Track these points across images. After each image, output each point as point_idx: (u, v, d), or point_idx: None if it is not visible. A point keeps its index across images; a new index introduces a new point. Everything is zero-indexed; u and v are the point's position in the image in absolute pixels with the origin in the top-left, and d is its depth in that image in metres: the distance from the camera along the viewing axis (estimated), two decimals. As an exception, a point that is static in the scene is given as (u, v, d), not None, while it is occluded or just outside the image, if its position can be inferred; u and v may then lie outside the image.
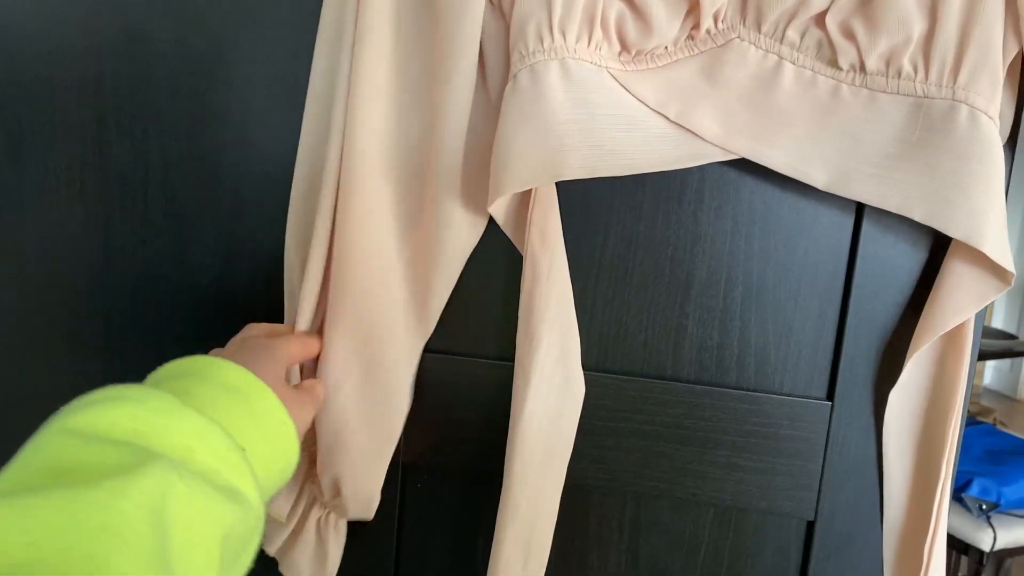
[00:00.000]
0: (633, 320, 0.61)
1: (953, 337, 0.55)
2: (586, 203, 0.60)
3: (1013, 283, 0.52)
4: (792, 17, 0.52)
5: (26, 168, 0.66)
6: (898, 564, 0.59)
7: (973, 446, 2.02)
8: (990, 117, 0.50)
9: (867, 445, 0.59)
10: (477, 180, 0.57)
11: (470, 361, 0.63)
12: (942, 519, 0.56)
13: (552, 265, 0.57)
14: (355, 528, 0.65)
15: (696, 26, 0.54)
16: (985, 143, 0.49)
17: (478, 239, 0.59)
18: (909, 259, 0.57)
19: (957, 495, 1.90)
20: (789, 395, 0.60)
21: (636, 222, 0.60)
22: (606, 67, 0.54)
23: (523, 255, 0.57)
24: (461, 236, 0.58)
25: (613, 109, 0.54)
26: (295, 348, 0.56)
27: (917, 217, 0.50)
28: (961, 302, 0.53)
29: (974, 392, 4.51)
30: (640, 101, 0.55)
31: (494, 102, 0.56)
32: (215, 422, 0.41)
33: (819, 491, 0.60)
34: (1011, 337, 2.94)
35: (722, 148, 0.54)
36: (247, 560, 0.42)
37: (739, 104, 0.54)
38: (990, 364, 4.52)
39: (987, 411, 2.46)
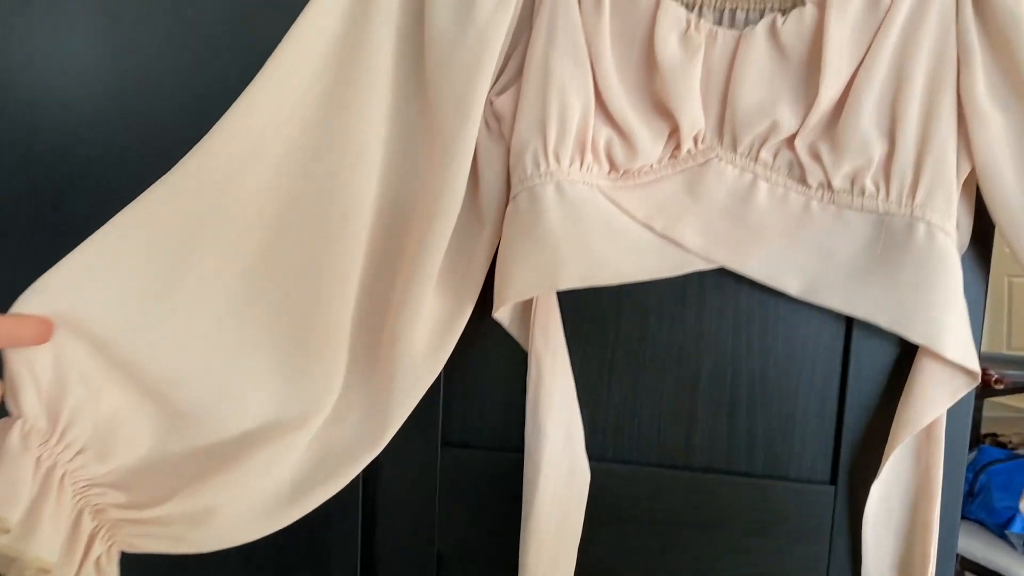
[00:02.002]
0: (645, 412, 0.66)
1: (929, 430, 0.59)
2: (597, 306, 0.66)
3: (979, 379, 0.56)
4: (764, 140, 0.58)
5: None
6: None
7: (1015, 481, 2.00)
8: (946, 232, 0.54)
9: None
10: (457, 277, 0.62)
11: (491, 454, 0.68)
12: None
13: (555, 362, 0.63)
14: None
15: (678, 147, 0.59)
16: (942, 256, 0.54)
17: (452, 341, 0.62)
18: (900, 351, 0.61)
19: (1001, 531, 1.89)
20: (795, 480, 0.65)
21: (644, 323, 0.65)
22: (597, 185, 0.60)
23: (528, 354, 0.63)
24: (423, 336, 0.61)
25: (604, 224, 0.59)
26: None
27: (882, 324, 0.55)
28: (934, 398, 0.57)
29: (1017, 418, 4.40)
30: (629, 215, 0.60)
31: (485, 211, 0.61)
32: None
33: (827, 573, 0.64)
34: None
35: (704, 258, 0.59)
36: None
37: (719, 217, 0.59)
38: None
39: (1029, 440, 2.43)
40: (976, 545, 1.87)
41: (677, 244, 0.60)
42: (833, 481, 0.64)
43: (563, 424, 0.63)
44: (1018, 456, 2.05)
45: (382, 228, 0.63)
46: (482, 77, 0.58)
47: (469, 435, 0.69)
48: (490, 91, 0.61)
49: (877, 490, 0.60)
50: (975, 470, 2.03)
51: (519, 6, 0.60)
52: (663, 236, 0.60)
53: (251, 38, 0.69)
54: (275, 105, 0.60)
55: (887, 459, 0.58)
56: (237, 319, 0.60)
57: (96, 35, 0.71)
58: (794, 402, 0.64)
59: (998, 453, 2.04)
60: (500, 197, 0.62)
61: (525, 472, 0.62)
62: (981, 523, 1.91)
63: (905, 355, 0.61)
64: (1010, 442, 2.41)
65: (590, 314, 0.66)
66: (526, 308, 0.64)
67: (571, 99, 0.58)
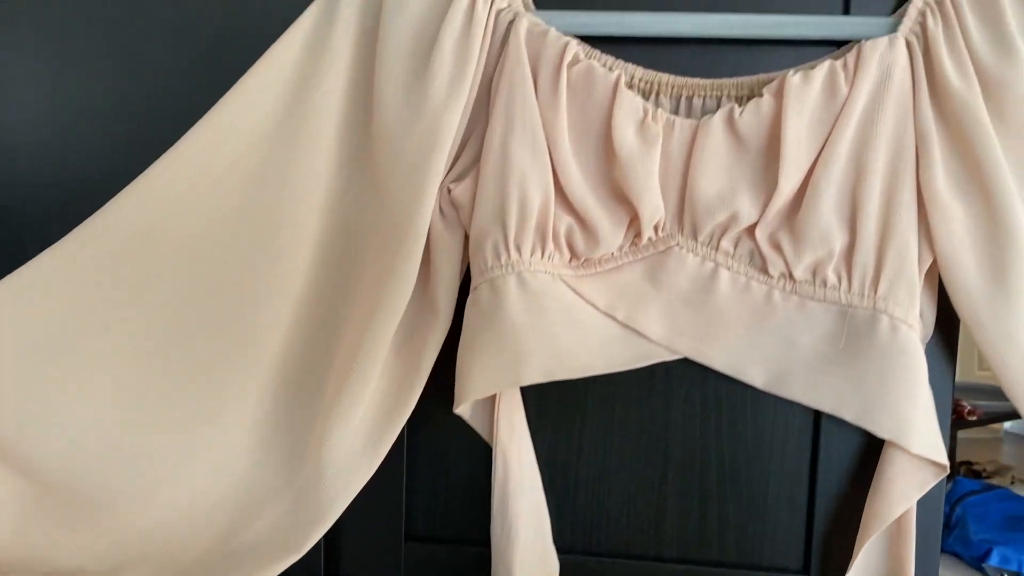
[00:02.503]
0: (614, 502, 0.65)
1: (900, 521, 0.58)
2: (562, 396, 0.64)
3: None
4: (725, 230, 0.57)
5: None
6: None
7: (991, 513, 2.00)
8: (909, 325, 0.54)
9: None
10: (403, 367, 0.60)
11: (457, 548, 0.66)
12: None
13: (522, 455, 0.62)
14: None
15: (639, 235, 0.58)
16: (905, 349, 0.53)
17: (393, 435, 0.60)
18: (870, 437, 0.60)
19: (978, 564, 1.89)
20: (768, 569, 0.63)
21: (611, 411, 0.64)
22: (559, 274, 0.59)
23: (493, 447, 0.61)
24: (362, 429, 0.59)
25: (566, 315, 0.58)
26: None
27: (848, 418, 0.54)
28: (903, 491, 0.56)
29: (991, 440, 4.43)
30: (591, 304, 0.59)
31: (438, 301, 0.60)
32: None
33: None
34: None
35: (667, 348, 0.58)
36: None
37: (681, 306, 0.58)
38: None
39: (1004, 470, 2.44)
40: (953, 579, 1.86)
41: (639, 333, 0.59)
42: (806, 570, 0.63)
43: (532, 519, 0.61)
44: (993, 487, 2.06)
45: (317, 295, 0.61)
46: (435, 165, 0.57)
47: (433, 527, 0.67)
48: (445, 177, 0.60)
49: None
50: (950, 503, 2.03)
51: (474, 92, 0.59)
52: (626, 325, 0.59)
53: (200, 79, 0.67)
54: (206, 162, 0.59)
55: (858, 552, 0.57)
56: (139, 384, 0.59)
57: (41, 74, 0.68)
58: (765, 489, 0.63)
59: (973, 485, 2.04)
60: (453, 286, 0.60)
61: (494, 570, 0.61)
62: (958, 556, 1.90)
63: (875, 441, 0.60)
64: (984, 470, 2.42)
65: (556, 403, 0.65)
66: (488, 399, 0.62)
67: (531, 188, 0.57)
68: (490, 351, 0.56)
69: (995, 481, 2.37)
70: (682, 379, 0.63)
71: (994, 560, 1.84)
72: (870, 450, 0.61)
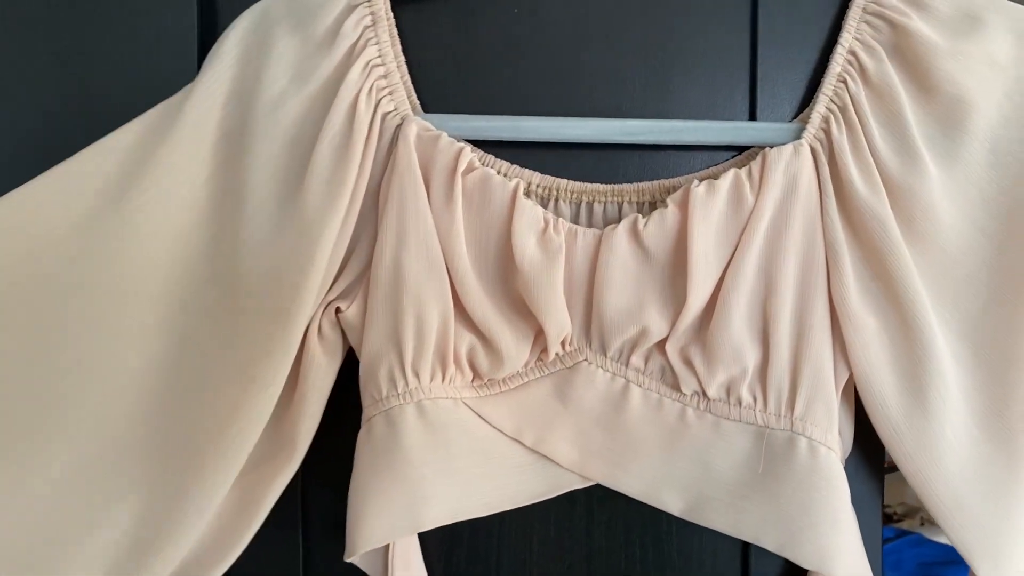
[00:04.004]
0: None
1: None
2: (475, 526, 0.59)
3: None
4: (635, 345, 0.53)
5: None
6: None
7: (905, 560, 2.02)
8: (828, 447, 0.51)
9: None
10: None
11: None
12: None
13: None
14: None
15: (545, 350, 0.54)
16: (825, 473, 0.50)
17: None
18: None
19: (895, 613, 1.90)
20: None
21: (528, 542, 0.59)
22: (461, 398, 0.54)
23: None
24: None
25: (470, 445, 0.53)
26: None
27: (770, 548, 0.51)
28: None
29: (899, 478, 4.57)
30: (497, 429, 0.55)
31: (298, 441, 0.53)
32: None
33: None
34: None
35: (579, 475, 0.54)
36: None
37: (593, 426, 0.54)
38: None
39: (913, 512, 2.49)
40: (872, 628, 1.86)
41: (550, 460, 0.54)
42: None
43: None
44: (904, 532, 2.09)
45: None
46: (310, 282, 0.51)
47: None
48: (327, 295, 0.54)
49: None
50: (865, 550, 2.05)
51: (357, 202, 0.53)
52: (535, 451, 0.54)
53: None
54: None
55: None
56: None
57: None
58: None
59: (887, 532, 2.07)
60: (316, 419, 0.54)
61: None
62: (876, 607, 1.91)
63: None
64: (895, 513, 2.46)
65: (467, 534, 0.59)
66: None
67: (428, 306, 0.52)
68: (386, 494, 0.51)
69: (906, 525, 2.41)
70: (605, 503, 0.58)
71: (910, 608, 1.86)
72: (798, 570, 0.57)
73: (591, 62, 0.57)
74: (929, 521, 2.52)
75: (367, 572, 0.56)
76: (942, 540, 2.30)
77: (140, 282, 0.53)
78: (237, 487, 0.52)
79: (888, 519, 2.51)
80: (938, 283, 0.52)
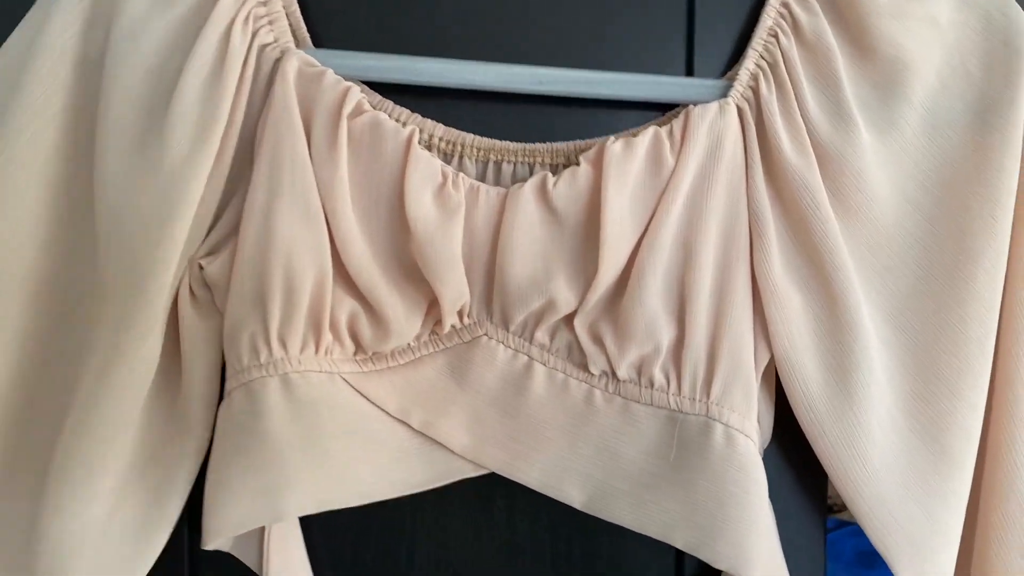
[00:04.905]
0: None
1: None
2: (385, 517, 0.52)
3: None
4: (540, 319, 0.48)
5: None
6: None
7: (844, 550, 2.03)
8: (747, 435, 0.46)
9: None
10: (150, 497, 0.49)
11: None
12: None
13: None
14: None
15: (439, 322, 0.48)
16: (743, 464, 0.46)
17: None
18: None
19: (836, 607, 1.90)
20: None
21: (444, 537, 0.53)
22: (338, 372, 0.48)
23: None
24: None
25: (345, 425, 0.47)
26: None
27: (679, 546, 0.46)
28: None
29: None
30: (380, 409, 0.48)
31: (191, 412, 0.48)
32: None
33: None
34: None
35: (472, 462, 0.48)
36: None
37: (490, 408, 0.49)
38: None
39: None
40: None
41: (440, 445, 0.48)
42: None
43: None
44: (845, 523, 2.10)
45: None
46: (175, 234, 0.45)
47: None
48: (198, 251, 0.47)
49: None
50: (796, 544, 2.05)
51: (231, 145, 0.47)
52: (422, 434, 0.48)
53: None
54: None
55: None
56: None
57: None
58: None
59: (827, 523, 2.07)
60: (212, 390, 0.48)
61: None
62: (808, 600, 1.91)
63: None
64: (835, 504, 2.49)
65: (375, 528, 0.52)
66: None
67: (301, 265, 0.45)
68: (245, 476, 0.44)
69: (845, 516, 2.44)
70: (527, 496, 0.51)
71: (849, 598, 1.86)
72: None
73: (515, 4, 0.51)
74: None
75: (243, 560, 0.49)
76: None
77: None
78: (144, 480, 0.48)
79: (828, 510, 2.55)
80: (867, 259, 0.48)
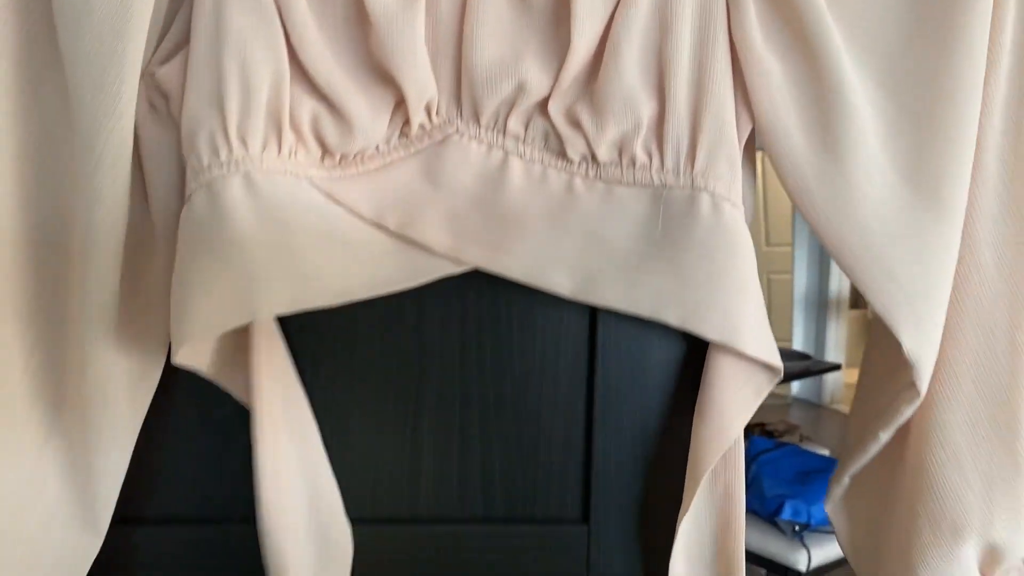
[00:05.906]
0: (358, 457, 0.51)
1: (726, 454, 0.50)
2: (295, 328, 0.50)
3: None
4: (512, 107, 0.46)
5: None
6: None
7: (783, 468, 2.08)
8: (733, 204, 0.45)
9: (633, 569, 0.53)
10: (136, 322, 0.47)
11: (200, 527, 0.51)
12: None
13: (290, 402, 0.47)
14: None
15: (407, 122, 0.46)
16: (730, 233, 0.45)
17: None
18: (658, 350, 0.51)
19: (772, 519, 1.94)
20: (542, 522, 0.53)
21: (352, 345, 0.51)
22: (307, 176, 0.45)
23: (249, 402, 0.46)
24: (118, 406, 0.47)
25: (317, 227, 0.44)
26: None
27: (672, 322, 0.45)
28: (739, 402, 0.47)
29: (781, 405, 4.80)
30: (353, 213, 0.46)
31: (159, 225, 0.46)
32: None
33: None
34: (807, 358, 3.20)
35: (453, 260, 0.46)
36: None
37: (469, 207, 0.47)
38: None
39: (793, 429, 2.58)
40: (751, 535, 1.90)
41: (418, 245, 0.46)
42: (585, 519, 0.53)
43: (311, 484, 0.47)
44: (784, 444, 2.15)
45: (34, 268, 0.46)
46: (130, 40, 0.41)
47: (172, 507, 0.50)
48: (151, 61, 0.44)
49: (686, 526, 0.50)
50: (746, 461, 2.09)
51: None
52: (400, 236, 0.46)
53: None
54: None
55: (695, 486, 0.47)
56: None
57: None
58: (535, 428, 0.52)
59: (766, 443, 2.11)
60: (178, 201, 0.45)
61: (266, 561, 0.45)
62: (754, 513, 1.95)
63: (667, 355, 0.52)
64: (776, 430, 2.54)
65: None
66: (234, 345, 0.47)
67: (256, 61, 0.42)
68: (212, 277, 0.41)
69: (786, 439, 2.49)
70: (436, 300, 0.51)
71: (786, 514, 1.90)
72: (649, 373, 0.52)
73: None
74: (807, 438, 2.61)
75: (228, 390, 0.47)
76: (821, 452, 2.38)
77: None
78: (125, 312, 0.46)
79: (770, 435, 2.60)
80: (852, 19, 0.47)
